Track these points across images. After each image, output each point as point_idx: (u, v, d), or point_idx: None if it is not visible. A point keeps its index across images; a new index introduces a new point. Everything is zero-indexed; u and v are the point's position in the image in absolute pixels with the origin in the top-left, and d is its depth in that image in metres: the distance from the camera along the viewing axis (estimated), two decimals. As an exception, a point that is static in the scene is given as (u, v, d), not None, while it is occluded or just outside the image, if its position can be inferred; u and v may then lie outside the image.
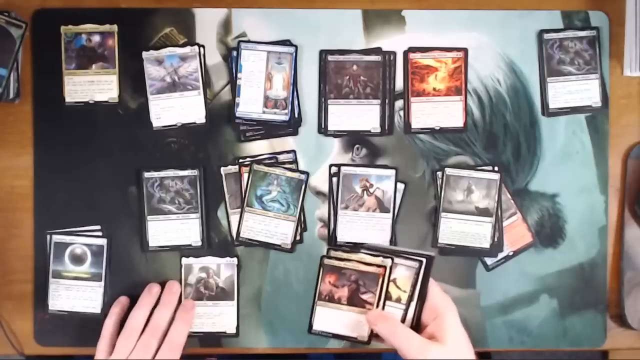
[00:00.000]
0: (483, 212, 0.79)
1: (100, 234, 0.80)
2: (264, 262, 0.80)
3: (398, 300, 0.68)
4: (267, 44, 0.80)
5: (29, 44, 0.80)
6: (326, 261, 0.69)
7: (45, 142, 0.80)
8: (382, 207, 0.79)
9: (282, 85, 0.79)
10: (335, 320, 0.70)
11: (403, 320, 0.69)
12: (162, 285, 0.79)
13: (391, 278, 0.68)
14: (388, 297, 0.69)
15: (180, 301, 0.78)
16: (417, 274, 0.68)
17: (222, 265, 0.80)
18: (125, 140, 0.80)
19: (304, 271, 0.80)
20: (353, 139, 0.80)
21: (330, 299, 0.68)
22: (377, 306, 0.68)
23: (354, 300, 0.68)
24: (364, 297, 0.68)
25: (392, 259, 0.68)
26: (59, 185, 0.80)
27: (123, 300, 0.77)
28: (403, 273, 0.69)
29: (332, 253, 0.70)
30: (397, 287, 0.69)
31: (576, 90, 0.80)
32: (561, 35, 0.80)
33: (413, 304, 0.68)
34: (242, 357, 0.86)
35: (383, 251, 0.70)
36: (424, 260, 0.68)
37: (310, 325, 0.73)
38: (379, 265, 0.68)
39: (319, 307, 0.69)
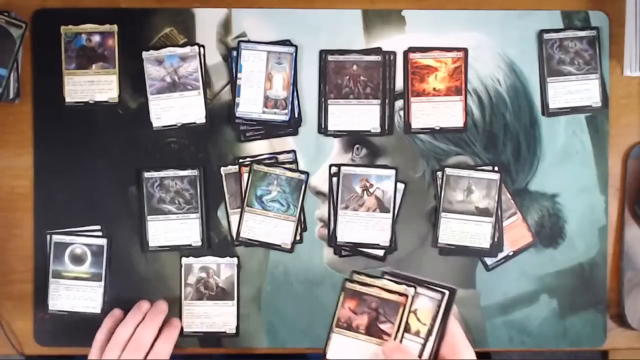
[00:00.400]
0: (483, 212, 0.79)
1: (100, 234, 0.80)
2: (264, 262, 0.80)
3: (417, 333, 0.65)
4: (267, 44, 0.80)
5: (29, 44, 0.80)
6: (348, 285, 0.65)
7: (45, 142, 0.80)
8: (382, 207, 0.79)
9: (282, 85, 0.79)
10: (351, 350, 0.66)
11: (420, 355, 0.66)
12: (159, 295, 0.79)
13: (413, 309, 0.66)
14: (407, 329, 0.65)
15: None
16: (439, 307, 0.65)
17: (222, 265, 0.80)
18: (125, 140, 0.80)
19: (304, 271, 0.80)
20: (353, 139, 0.80)
21: (349, 326, 0.65)
22: (395, 337, 0.65)
23: (372, 330, 0.65)
24: (382, 326, 0.65)
25: (415, 288, 0.65)
26: (59, 185, 0.80)
27: (116, 314, 0.77)
28: (425, 304, 0.65)
29: (355, 277, 0.67)
30: (418, 319, 0.65)
31: (576, 90, 0.80)
32: (561, 35, 0.80)
33: (432, 339, 0.64)
34: (242, 357, 0.86)
35: (406, 279, 0.67)
36: (447, 292, 0.66)
37: (324, 354, 0.68)
38: (401, 294, 0.65)
39: (335, 334, 0.65)
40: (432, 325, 0.65)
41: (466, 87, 0.80)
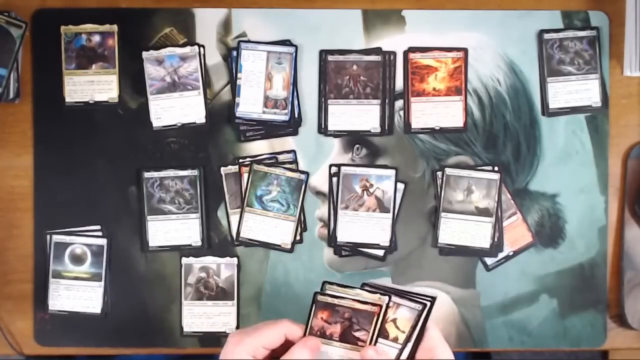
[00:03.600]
0: (483, 212, 0.79)
1: (100, 234, 0.80)
2: (264, 262, 0.80)
3: (395, 339, 0.65)
4: (267, 44, 0.80)
5: (29, 44, 0.80)
6: (320, 297, 0.66)
7: (45, 142, 0.80)
8: (382, 207, 0.79)
9: (282, 85, 0.79)
10: (323, 355, 0.65)
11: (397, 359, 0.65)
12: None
13: (392, 318, 0.65)
14: (385, 335, 0.65)
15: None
16: (419, 317, 0.66)
17: (222, 265, 0.80)
18: (125, 140, 0.80)
19: (304, 271, 0.80)
20: (353, 139, 0.80)
21: (322, 334, 0.66)
22: (370, 343, 0.65)
23: (347, 338, 0.66)
24: (357, 334, 0.65)
25: (390, 297, 0.66)
26: (59, 185, 0.80)
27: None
28: (405, 314, 0.65)
29: (328, 287, 0.67)
30: (397, 327, 0.66)
31: (576, 90, 0.80)
32: (561, 35, 0.80)
33: (409, 345, 0.66)
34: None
35: (386, 290, 0.67)
36: (428, 304, 0.66)
37: None
38: (374, 304, 0.65)
39: None
40: (411, 333, 0.65)
41: (466, 87, 0.80)
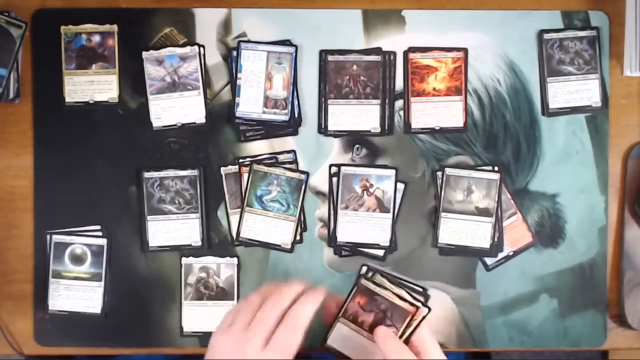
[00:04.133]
0: (483, 212, 0.79)
1: (100, 234, 0.80)
2: (264, 262, 0.80)
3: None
4: (267, 44, 0.80)
5: (29, 44, 0.80)
6: (363, 281, 0.67)
7: (45, 142, 0.80)
8: (382, 207, 0.79)
9: (282, 85, 0.79)
10: (351, 342, 0.67)
11: None
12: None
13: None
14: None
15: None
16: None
17: (222, 265, 0.80)
18: (125, 140, 0.80)
19: (304, 271, 0.80)
20: (353, 139, 0.80)
21: (354, 320, 0.66)
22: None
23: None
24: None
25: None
26: (59, 185, 0.80)
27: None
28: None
29: (376, 277, 0.67)
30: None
31: (576, 90, 0.80)
32: (561, 35, 0.80)
33: (404, 337, 0.67)
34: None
35: (388, 277, 0.67)
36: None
37: (325, 339, 0.68)
38: (412, 304, 0.66)
39: (340, 324, 0.66)
40: (404, 331, 0.65)
41: (466, 87, 0.80)
